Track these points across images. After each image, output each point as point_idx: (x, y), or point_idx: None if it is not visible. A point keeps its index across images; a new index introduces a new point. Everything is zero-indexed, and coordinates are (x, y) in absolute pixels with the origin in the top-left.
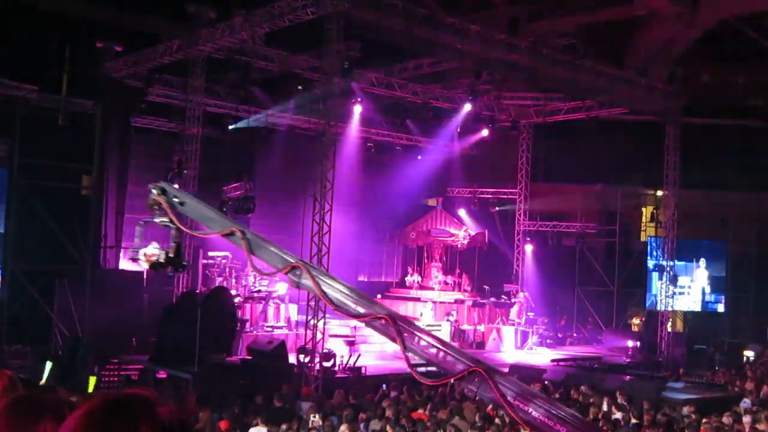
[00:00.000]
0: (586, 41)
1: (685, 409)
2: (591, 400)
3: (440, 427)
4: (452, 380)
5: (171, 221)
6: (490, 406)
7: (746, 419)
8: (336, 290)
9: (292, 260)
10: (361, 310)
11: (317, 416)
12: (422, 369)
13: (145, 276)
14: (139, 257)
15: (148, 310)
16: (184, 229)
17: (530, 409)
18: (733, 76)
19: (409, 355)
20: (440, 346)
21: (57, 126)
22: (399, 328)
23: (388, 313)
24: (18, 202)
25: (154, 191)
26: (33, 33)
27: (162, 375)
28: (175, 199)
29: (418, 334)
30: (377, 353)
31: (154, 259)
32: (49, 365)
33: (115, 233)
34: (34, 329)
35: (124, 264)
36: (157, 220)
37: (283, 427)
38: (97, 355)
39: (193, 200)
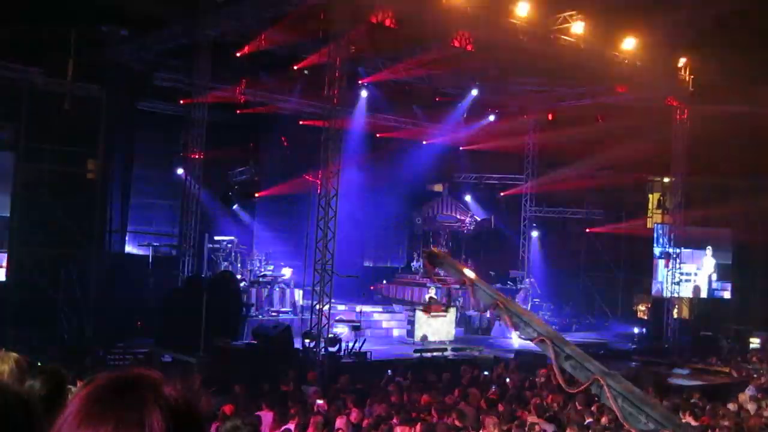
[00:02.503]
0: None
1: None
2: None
3: (446, 413)
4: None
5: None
6: (493, 389)
7: (751, 406)
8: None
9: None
10: (532, 332)
11: (322, 401)
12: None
13: (150, 260)
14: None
15: (153, 294)
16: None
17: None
18: (743, 62)
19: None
20: (580, 359)
21: (62, 110)
22: (554, 348)
23: (547, 334)
24: (24, 186)
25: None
26: (38, 17)
27: (167, 359)
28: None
29: (566, 350)
30: (382, 338)
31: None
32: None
33: (121, 217)
34: (40, 313)
35: (130, 248)
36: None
37: (288, 411)
38: (102, 338)
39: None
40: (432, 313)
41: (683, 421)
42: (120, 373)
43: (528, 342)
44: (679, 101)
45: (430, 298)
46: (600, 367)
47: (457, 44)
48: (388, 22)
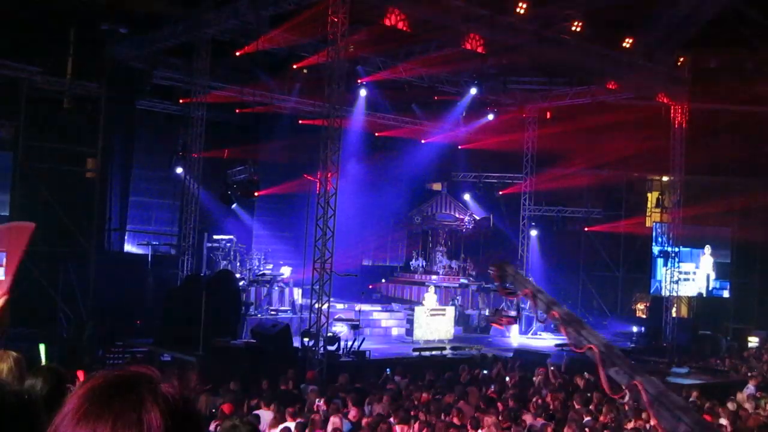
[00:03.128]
0: (593, 25)
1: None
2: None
3: (445, 411)
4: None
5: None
6: (492, 389)
7: (749, 405)
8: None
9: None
10: (584, 341)
11: (321, 400)
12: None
13: (149, 259)
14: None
15: (152, 293)
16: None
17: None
18: (740, 60)
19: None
20: (622, 365)
21: (62, 109)
22: (602, 356)
23: (598, 343)
24: (23, 184)
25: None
26: (38, 15)
27: (166, 358)
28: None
29: (613, 358)
30: (381, 337)
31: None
32: (43, 347)
33: (120, 216)
34: (39, 312)
35: (129, 247)
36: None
37: (288, 410)
38: (101, 337)
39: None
40: (504, 325)
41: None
42: (118, 371)
43: (526, 342)
44: (678, 99)
45: (497, 309)
46: (640, 373)
47: (468, 47)
48: (401, 25)
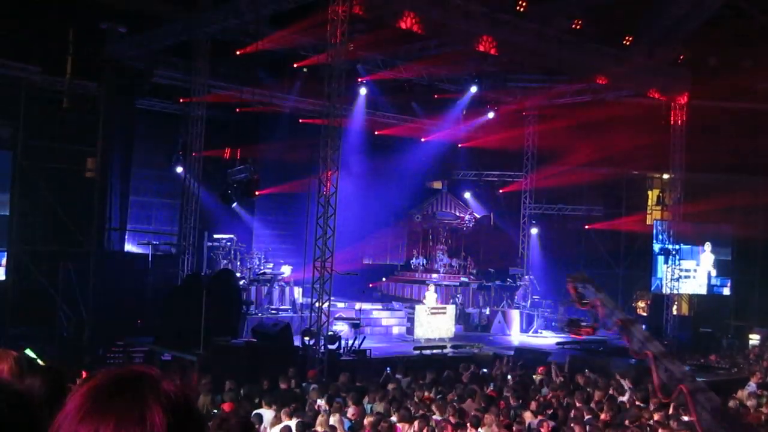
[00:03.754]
0: (593, 23)
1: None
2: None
3: (446, 410)
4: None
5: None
6: (492, 387)
7: (751, 402)
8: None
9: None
10: (643, 347)
11: (323, 399)
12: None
13: (150, 258)
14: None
15: (153, 293)
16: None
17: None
18: (740, 58)
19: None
20: (675, 371)
21: (61, 108)
22: (656, 362)
23: (654, 349)
24: (22, 184)
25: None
26: (37, 14)
27: (167, 357)
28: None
29: (666, 364)
30: (382, 336)
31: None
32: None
33: (120, 215)
34: (39, 311)
35: (129, 246)
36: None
37: (288, 409)
38: (102, 336)
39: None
40: (583, 336)
41: (684, 419)
42: (120, 370)
43: (527, 340)
44: (678, 96)
45: (574, 319)
46: (692, 380)
47: (481, 48)
48: (416, 28)
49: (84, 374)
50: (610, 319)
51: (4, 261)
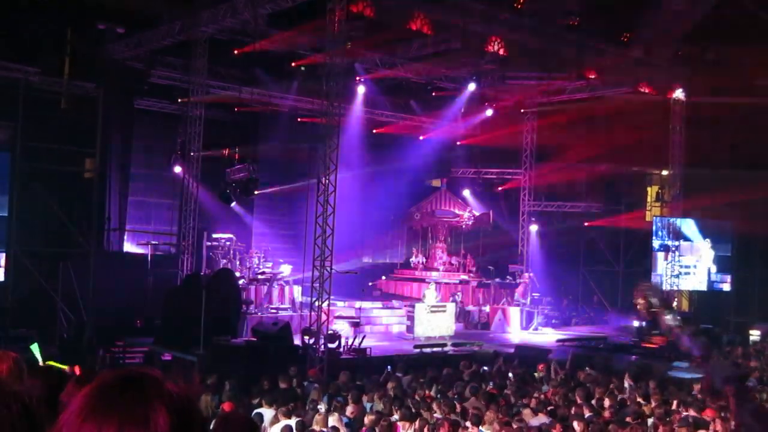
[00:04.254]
0: (591, 19)
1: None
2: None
3: (446, 408)
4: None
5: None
6: (491, 385)
7: None
8: None
9: None
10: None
11: (323, 398)
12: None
13: (149, 258)
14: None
15: (152, 293)
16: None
17: None
18: (739, 53)
19: None
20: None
21: (59, 109)
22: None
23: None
24: (21, 185)
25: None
26: (34, 15)
27: (167, 357)
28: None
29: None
30: (382, 334)
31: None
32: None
33: (119, 216)
34: (39, 312)
35: (129, 246)
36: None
37: (288, 408)
38: (102, 337)
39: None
40: (657, 345)
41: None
42: (123, 370)
43: (527, 337)
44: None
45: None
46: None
47: (490, 49)
48: (425, 29)
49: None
50: (691, 346)
51: (3, 262)
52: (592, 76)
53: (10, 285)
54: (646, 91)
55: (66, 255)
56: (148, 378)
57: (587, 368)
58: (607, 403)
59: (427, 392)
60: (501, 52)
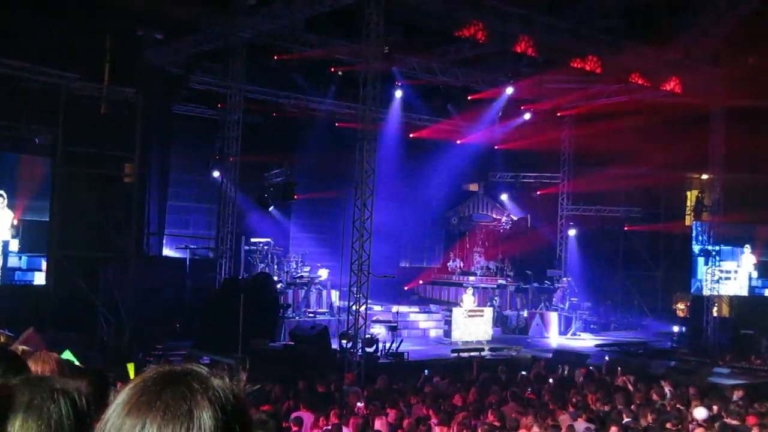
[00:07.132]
0: (629, 22)
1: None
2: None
3: (484, 412)
4: None
5: None
6: (530, 390)
7: None
8: None
9: None
10: None
11: (361, 402)
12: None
13: (188, 262)
14: None
15: (191, 296)
16: None
17: None
18: None
19: None
20: None
21: (99, 114)
22: None
23: None
24: (62, 190)
25: None
26: (74, 22)
27: (206, 360)
28: None
29: None
30: (419, 339)
31: None
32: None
33: (158, 220)
34: (79, 316)
35: (168, 250)
36: None
37: (327, 412)
38: (141, 340)
39: None
40: None
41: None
42: (169, 366)
43: (566, 342)
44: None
45: None
46: None
47: (518, 50)
48: (479, 35)
49: (129, 368)
50: None
51: (44, 266)
52: (631, 80)
53: (52, 289)
54: (684, 94)
55: (106, 259)
56: (193, 374)
57: (626, 373)
58: (646, 408)
59: (465, 396)
60: (534, 54)
